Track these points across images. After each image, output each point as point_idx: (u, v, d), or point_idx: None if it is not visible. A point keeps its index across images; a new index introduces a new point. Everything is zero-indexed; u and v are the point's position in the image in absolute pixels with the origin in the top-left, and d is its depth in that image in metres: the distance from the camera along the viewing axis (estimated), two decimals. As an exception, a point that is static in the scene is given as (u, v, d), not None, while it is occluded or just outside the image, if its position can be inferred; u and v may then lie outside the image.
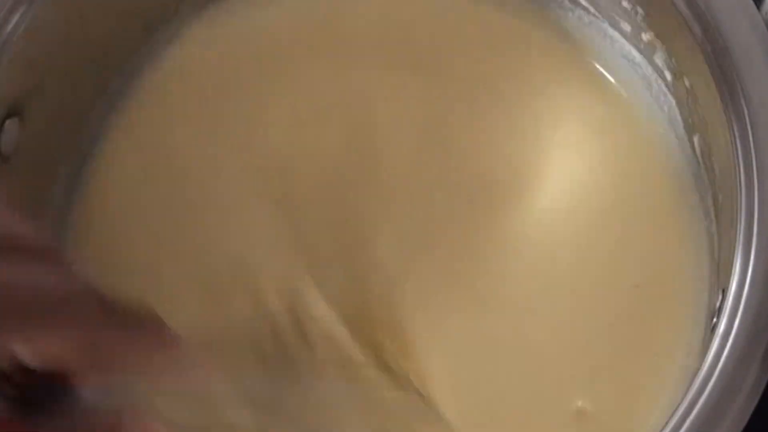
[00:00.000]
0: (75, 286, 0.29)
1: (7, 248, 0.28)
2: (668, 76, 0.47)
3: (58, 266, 0.29)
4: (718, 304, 0.40)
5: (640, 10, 0.46)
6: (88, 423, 0.30)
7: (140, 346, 0.30)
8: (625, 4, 0.47)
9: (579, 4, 0.49)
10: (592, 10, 0.49)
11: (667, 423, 0.37)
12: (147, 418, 0.32)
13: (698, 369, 0.37)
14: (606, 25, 0.49)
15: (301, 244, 0.47)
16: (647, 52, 0.47)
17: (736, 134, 0.40)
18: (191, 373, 0.33)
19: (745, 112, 0.40)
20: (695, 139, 0.46)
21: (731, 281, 0.38)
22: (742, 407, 0.36)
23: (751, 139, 0.40)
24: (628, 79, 0.49)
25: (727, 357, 0.37)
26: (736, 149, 0.40)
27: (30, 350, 0.27)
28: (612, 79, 0.49)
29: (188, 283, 0.47)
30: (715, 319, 0.39)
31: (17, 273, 0.27)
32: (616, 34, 0.49)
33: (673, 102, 0.47)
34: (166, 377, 0.32)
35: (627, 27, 0.48)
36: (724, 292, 0.39)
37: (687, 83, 0.45)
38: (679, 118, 0.47)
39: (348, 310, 0.46)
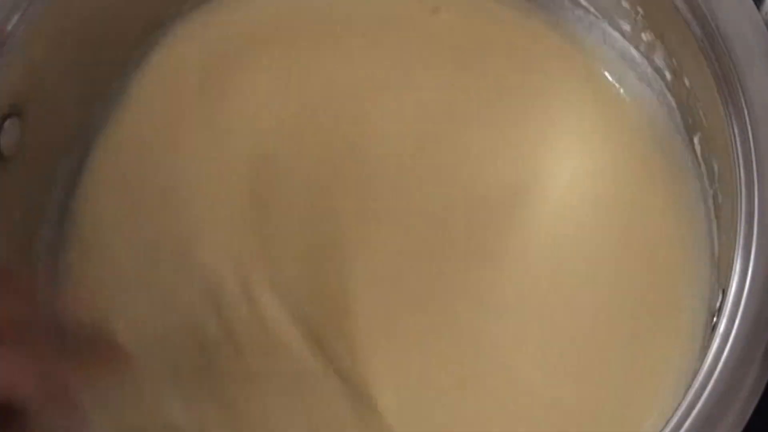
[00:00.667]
0: (31, 314, 0.30)
1: None
2: (668, 76, 0.47)
3: (18, 292, 0.30)
4: (718, 304, 0.40)
5: (640, 10, 0.46)
6: None
7: (92, 371, 0.32)
8: (625, 4, 0.47)
9: (579, 4, 0.49)
10: (592, 10, 0.49)
11: (667, 423, 0.37)
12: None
13: (698, 369, 0.37)
14: (606, 25, 0.49)
15: (267, 242, 0.47)
16: (647, 52, 0.47)
17: (736, 134, 0.40)
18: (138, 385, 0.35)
19: (745, 112, 0.40)
20: (695, 139, 0.46)
21: (731, 281, 0.38)
22: (742, 407, 0.36)
23: (751, 139, 0.40)
24: (628, 79, 0.49)
25: (727, 357, 0.37)
26: (736, 149, 0.40)
27: None
28: (612, 79, 0.49)
29: (151, 275, 0.47)
30: (715, 319, 0.39)
31: None
32: (616, 34, 0.49)
33: (673, 102, 0.47)
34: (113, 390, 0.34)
35: (627, 27, 0.48)
36: (724, 292, 0.39)
37: (687, 83, 0.45)
38: (679, 118, 0.47)
39: (303, 310, 0.46)
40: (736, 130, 0.40)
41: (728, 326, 0.37)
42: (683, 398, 0.37)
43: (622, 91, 0.49)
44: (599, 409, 0.44)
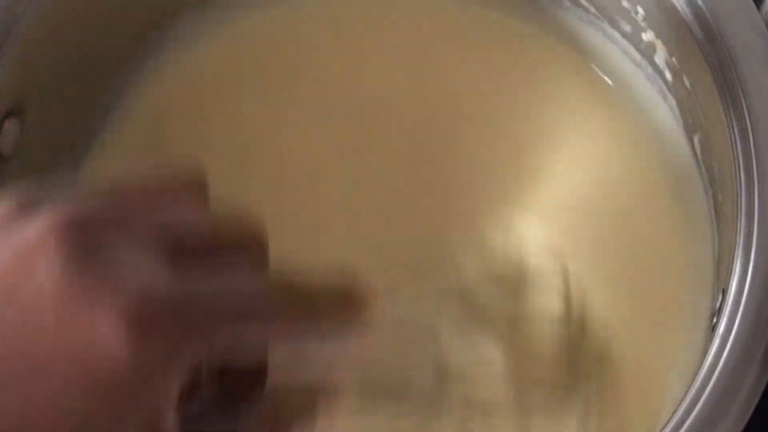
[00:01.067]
0: (268, 282, 0.28)
1: (207, 249, 0.27)
2: (668, 76, 0.47)
3: (256, 262, 0.29)
4: (718, 304, 0.40)
5: (640, 10, 0.46)
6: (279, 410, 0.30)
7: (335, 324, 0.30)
8: (625, 4, 0.47)
9: (579, 4, 0.49)
10: (592, 10, 0.49)
11: (667, 423, 0.37)
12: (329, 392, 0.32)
13: (698, 369, 0.37)
14: (606, 25, 0.49)
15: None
16: (647, 52, 0.47)
17: (736, 134, 0.40)
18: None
19: (745, 112, 0.40)
20: (695, 139, 0.46)
21: (731, 281, 0.38)
22: (742, 407, 0.36)
23: (751, 139, 0.40)
24: (628, 79, 0.49)
25: (727, 357, 0.37)
26: (736, 149, 0.40)
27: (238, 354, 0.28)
28: (612, 80, 0.49)
29: None
30: (715, 319, 0.39)
31: (225, 279, 0.27)
32: (616, 34, 0.49)
33: (673, 102, 0.47)
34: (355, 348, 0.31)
35: (627, 27, 0.48)
36: (724, 292, 0.39)
37: (687, 83, 0.45)
38: (679, 118, 0.47)
39: None
40: (736, 130, 0.40)
41: (728, 326, 0.37)
42: (683, 398, 0.37)
43: (621, 91, 0.49)
44: (598, 410, 0.44)
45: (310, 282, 0.29)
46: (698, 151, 0.46)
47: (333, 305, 0.29)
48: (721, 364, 0.37)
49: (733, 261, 0.38)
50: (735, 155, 0.40)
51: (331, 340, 0.30)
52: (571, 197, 0.47)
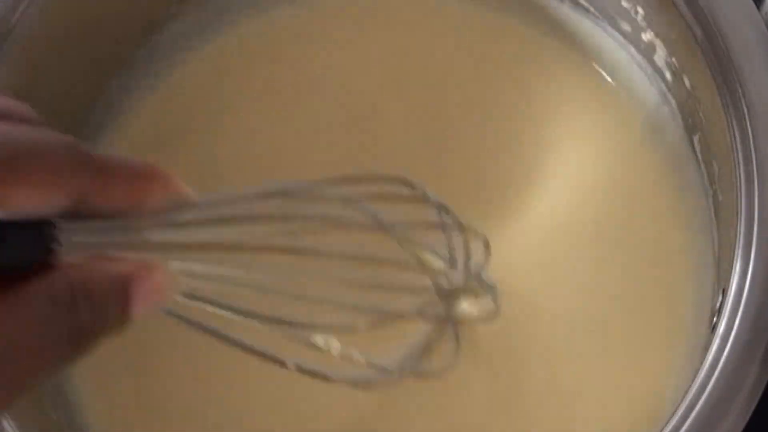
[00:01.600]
0: (51, 138, 0.29)
1: None
2: (668, 76, 0.47)
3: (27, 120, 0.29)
4: (718, 304, 0.40)
5: (640, 10, 0.46)
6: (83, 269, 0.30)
7: (135, 190, 0.31)
8: (625, 4, 0.47)
9: (579, 4, 0.49)
10: (592, 10, 0.49)
11: (667, 423, 0.37)
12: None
13: (698, 369, 0.37)
14: (606, 25, 0.49)
15: None
16: (647, 52, 0.47)
17: (736, 134, 0.40)
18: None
19: (745, 112, 0.40)
20: (695, 139, 0.46)
21: (731, 281, 0.38)
22: (742, 407, 0.37)
23: (751, 139, 0.40)
24: (628, 79, 0.49)
25: (727, 357, 0.37)
26: (736, 149, 0.40)
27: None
28: (612, 80, 0.49)
29: None
30: (715, 319, 0.39)
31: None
32: (616, 34, 0.49)
33: (673, 102, 0.47)
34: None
35: (627, 27, 0.48)
36: (724, 292, 0.39)
37: (687, 83, 0.45)
38: (679, 118, 0.47)
39: None
40: (736, 130, 0.40)
41: (728, 326, 0.38)
42: (683, 398, 0.37)
43: (621, 91, 0.49)
44: (599, 409, 0.44)
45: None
46: (698, 151, 0.46)
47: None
48: (721, 364, 0.37)
49: (733, 261, 0.39)
50: (735, 155, 0.40)
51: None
52: (567, 197, 0.47)
